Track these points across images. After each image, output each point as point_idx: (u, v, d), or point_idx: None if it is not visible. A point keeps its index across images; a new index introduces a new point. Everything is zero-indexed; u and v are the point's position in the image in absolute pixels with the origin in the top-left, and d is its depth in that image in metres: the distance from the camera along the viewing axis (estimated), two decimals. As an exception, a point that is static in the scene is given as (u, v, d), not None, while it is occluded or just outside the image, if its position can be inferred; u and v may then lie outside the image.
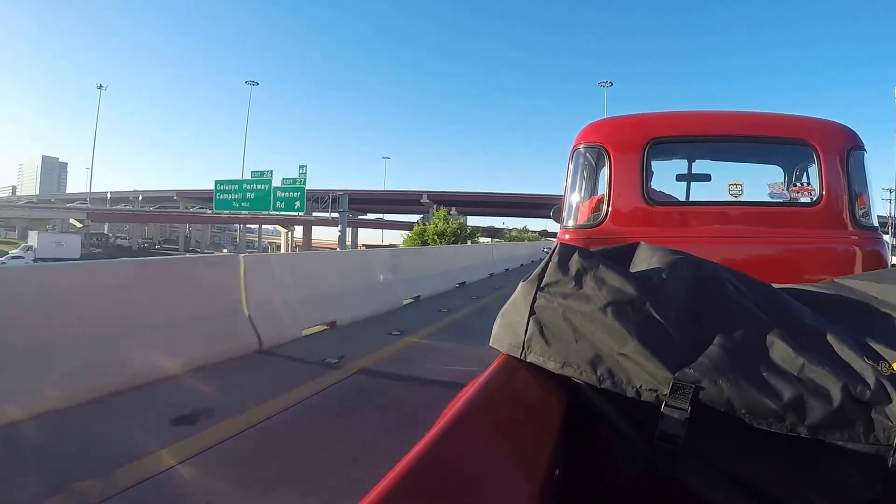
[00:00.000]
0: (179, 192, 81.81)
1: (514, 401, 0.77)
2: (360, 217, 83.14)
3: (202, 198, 79.80)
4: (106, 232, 74.32)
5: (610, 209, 2.31)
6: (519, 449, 0.66)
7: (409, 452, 0.50)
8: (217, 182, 35.85)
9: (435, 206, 65.12)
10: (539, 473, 0.64)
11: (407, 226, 59.57)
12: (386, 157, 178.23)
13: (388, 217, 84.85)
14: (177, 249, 74.41)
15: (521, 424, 0.72)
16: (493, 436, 0.65)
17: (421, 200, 69.93)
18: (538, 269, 0.89)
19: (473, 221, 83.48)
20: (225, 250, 79.14)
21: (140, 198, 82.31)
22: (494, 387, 0.74)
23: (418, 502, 0.46)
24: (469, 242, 26.36)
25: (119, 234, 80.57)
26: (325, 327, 5.62)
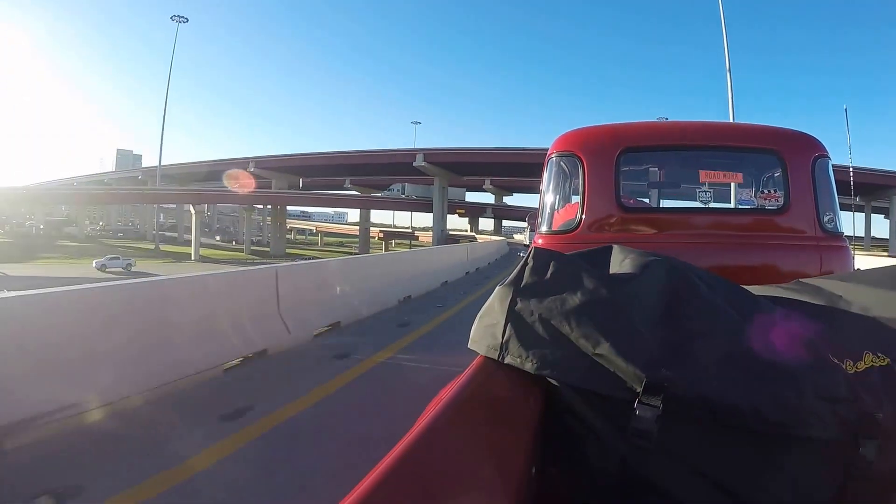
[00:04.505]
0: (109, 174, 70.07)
1: (491, 402, 0.79)
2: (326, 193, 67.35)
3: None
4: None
5: (584, 216, 2.35)
6: (497, 449, 0.68)
7: (387, 455, 0.50)
8: None
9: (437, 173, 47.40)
10: (516, 472, 0.67)
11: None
12: (416, 122, 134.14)
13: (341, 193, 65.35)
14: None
15: (498, 425, 0.74)
16: (471, 437, 0.66)
17: (414, 164, 47.68)
18: (515, 272, 0.92)
19: (473, 197, 64.35)
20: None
21: (75, 183, 69.38)
22: (472, 389, 0.76)
23: None
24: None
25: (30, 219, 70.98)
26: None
